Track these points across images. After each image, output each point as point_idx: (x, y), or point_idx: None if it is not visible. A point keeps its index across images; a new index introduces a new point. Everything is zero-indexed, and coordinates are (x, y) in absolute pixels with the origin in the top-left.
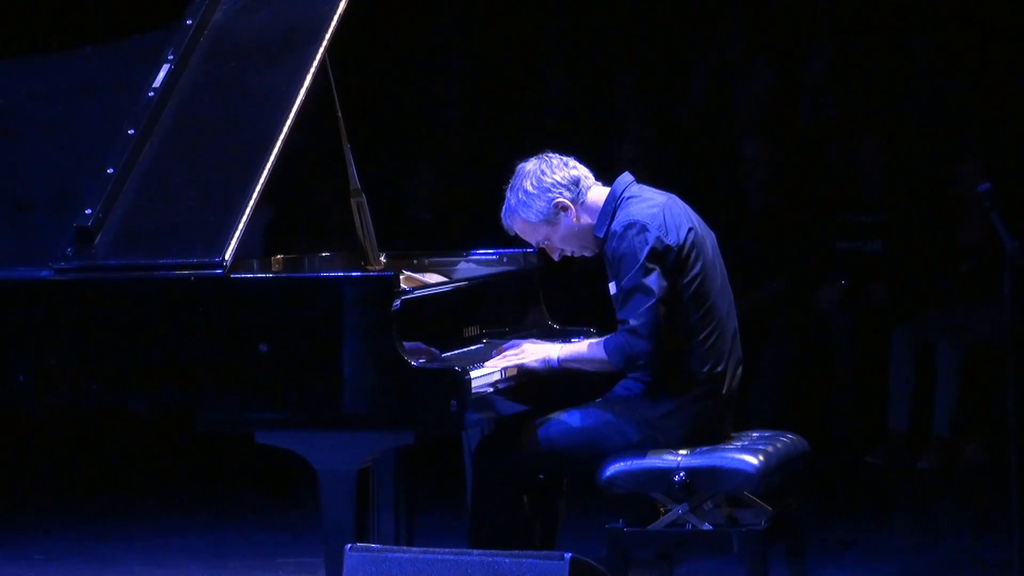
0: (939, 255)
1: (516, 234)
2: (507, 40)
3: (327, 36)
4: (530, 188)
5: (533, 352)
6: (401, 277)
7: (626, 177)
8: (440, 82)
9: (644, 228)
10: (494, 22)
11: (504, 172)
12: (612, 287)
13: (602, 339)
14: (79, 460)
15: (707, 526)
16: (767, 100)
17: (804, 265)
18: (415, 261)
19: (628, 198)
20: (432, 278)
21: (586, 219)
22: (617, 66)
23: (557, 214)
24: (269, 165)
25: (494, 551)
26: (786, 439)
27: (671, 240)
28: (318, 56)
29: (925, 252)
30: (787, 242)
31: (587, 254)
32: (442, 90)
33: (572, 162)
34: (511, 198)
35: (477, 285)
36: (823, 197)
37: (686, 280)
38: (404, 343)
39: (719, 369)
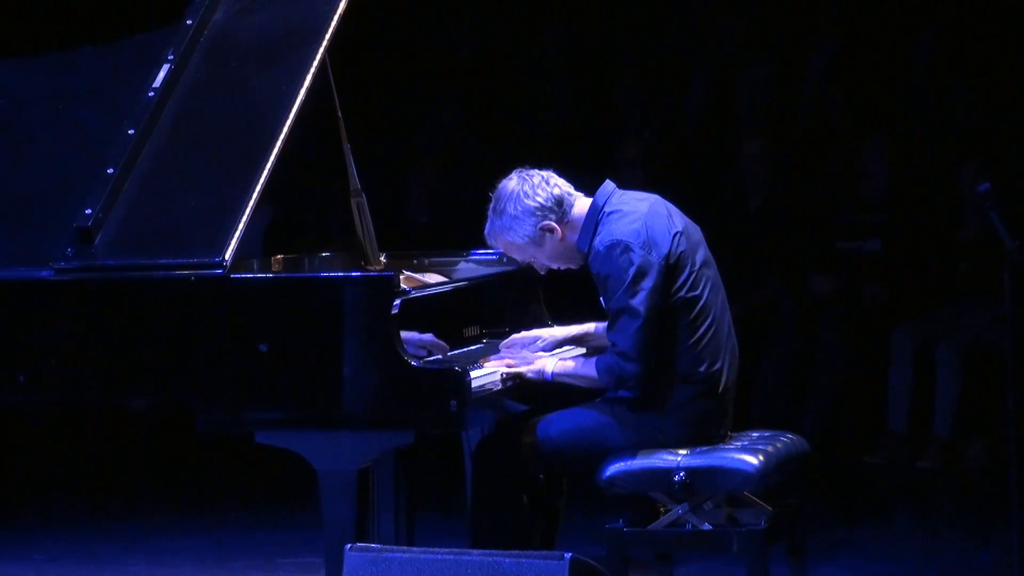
0: (939, 255)
1: (501, 250)
2: (508, 40)
3: (327, 36)
4: (514, 212)
5: (532, 365)
6: (401, 277)
7: (607, 187)
8: (440, 82)
9: (628, 248)
10: (495, 22)
11: (505, 172)
12: (603, 301)
13: (594, 358)
14: (79, 460)
15: (707, 526)
16: (767, 100)
17: (804, 265)
18: (415, 261)
19: (609, 213)
20: (432, 278)
21: (571, 236)
22: (617, 66)
23: (543, 236)
24: (269, 165)
25: (494, 551)
26: (786, 439)
27: (655, 255)
28: (318, 56)
29: (925, 252)
30: (787, 242)
31: (573, 267)
32: (442, 90)
33: (553, 178)
34: (495, 221)
35: (477, 285)
36: (823, 197)
37: (677, 285)
38: (417, 333)
39: (716, 367)
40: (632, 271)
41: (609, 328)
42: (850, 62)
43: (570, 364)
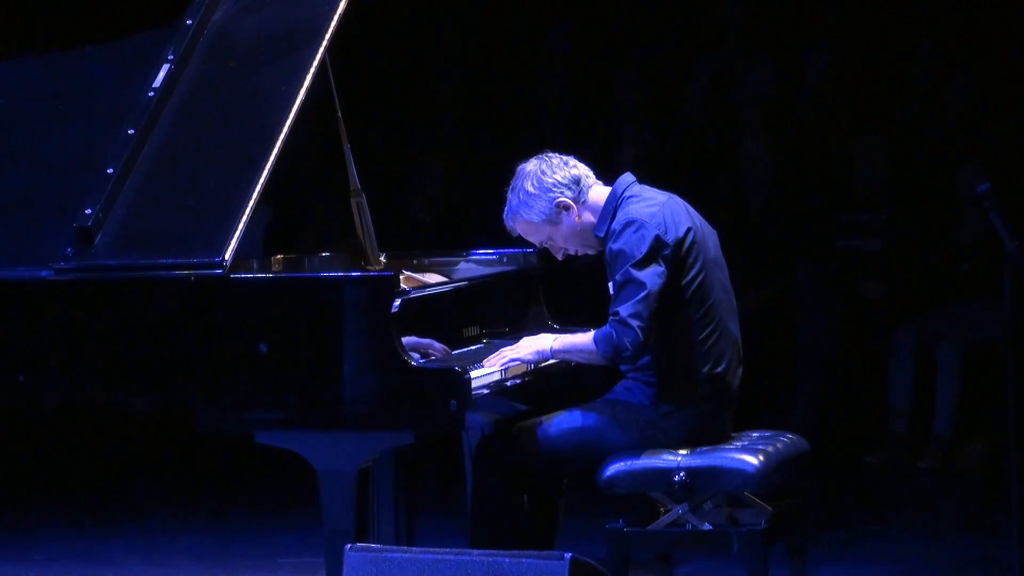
0: (939, 254)
1: (519, 235)
2: (508, 40)
3: (327, 36)
4: (531, 188)
5: (528, 346)
6: (401, 277)
7: (627, 177)
8: (441, 82)
9: (642, 225)
10: (495, 22)
11: (505, 173)
12: (611, 286)
13: (593, 330)
14: (79, 460)
15: (707, 526)
16: (767, 100)
17: (804, 264)
18: (415, 261)
19: (628, 197)
20: (432, 278)
21: (588, 217)
22: (617, 67)
23: (559, 213)
24: (269, 165)
25: (494, 551)
26: (786, 439)
27: (670, 237)
28: (318, 56)
29: (925, 251)
30: (787, 242)
31: (590, 252)
32: (443, 90)
33: (572, 161)
34: (512, 199)
35: (477, 285)
36: (823, 197)
37: (686, 280)
38: (414, 337)
39: (719, 369)
40: (645, 247)
41: (612, 300)
42: (850, 62)
43: (568, 339)
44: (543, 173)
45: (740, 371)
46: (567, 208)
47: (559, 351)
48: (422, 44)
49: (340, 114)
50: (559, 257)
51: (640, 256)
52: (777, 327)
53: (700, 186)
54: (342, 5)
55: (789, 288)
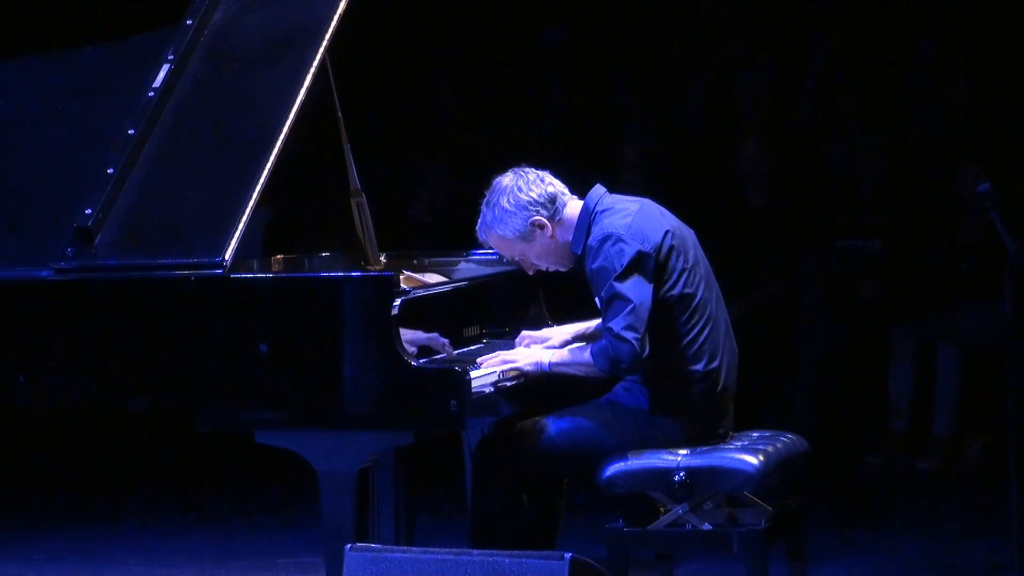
0: (939, 255)
1: (492, 247)
2: (508, 42)
3: (327, 36)
4: (507, 205)
5: (527, 356)
6: (401, 277)
7: (598, 190)
8: (441, 83)
9: (619, 239)
10: (495, 22)
11: (504, 173)
12: (597, 302)
13: (589, 345)
14: (79, 460)
15: (707, 526)
16: (767, 100)
17: (803, 264)
18: (415, 261)
19: (601, 211)
20: (432, 278)
21: (562, 236)
22: (617, 68)
23: (533, 231)
24: (269, 165)
25: (494, 551)
26: (786, 439)
27: (647, 247)
28: (318, 56)
29: (925, 252)
30: (787, 242)
31: (562, 268)
32: (443, 91)
33: (548, 177)
34: (487, 213)
35: (477, 285)
36: (823, 197)
37: (670, 282)
38: (419, 332)
39: (714, 365)
40: (624, 260)
41: (603, 317)
42: (850, 62)
43: (566, 353)
44: (519, 190)
45: (736, 365)
46: (541, 227)
47: (557, 365)
48: (422, 44)
49: (340, 114)
50: (530, 272)
51: (621, 269)
52: (777, 327)
53: (700, 186)
54: (342, 5)
55: (789, 288)
